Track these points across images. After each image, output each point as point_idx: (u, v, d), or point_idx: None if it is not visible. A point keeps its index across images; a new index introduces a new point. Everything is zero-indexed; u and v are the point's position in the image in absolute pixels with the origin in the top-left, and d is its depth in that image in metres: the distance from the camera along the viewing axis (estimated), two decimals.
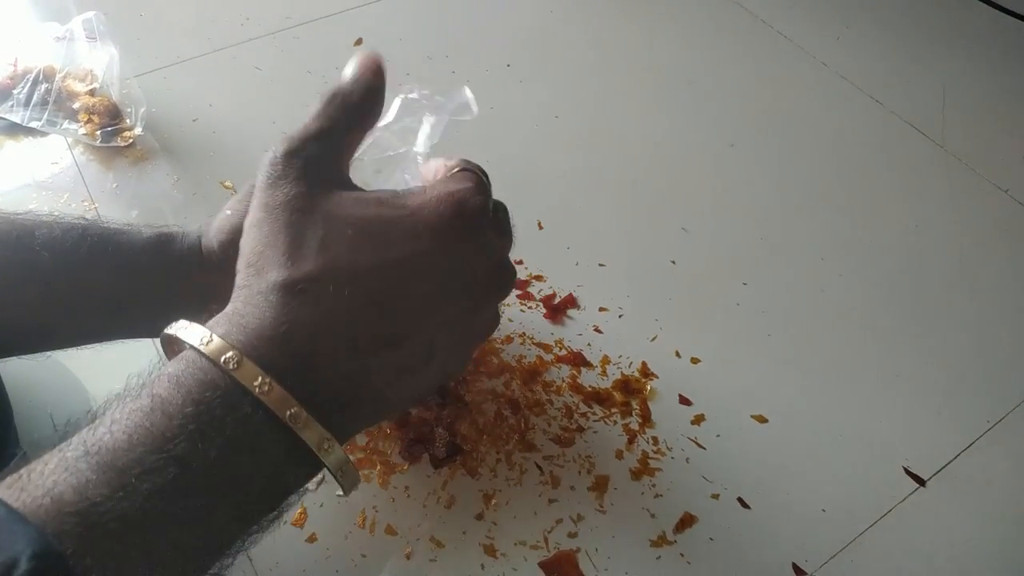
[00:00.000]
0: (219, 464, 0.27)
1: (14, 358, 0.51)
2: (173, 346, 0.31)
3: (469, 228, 0.32)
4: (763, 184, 0.93)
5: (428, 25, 1.10)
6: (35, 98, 0.86)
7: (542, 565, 0.61)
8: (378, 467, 0.66)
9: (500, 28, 1.11)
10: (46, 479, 0.25)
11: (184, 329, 0.29)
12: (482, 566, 0.61)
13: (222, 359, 0.27)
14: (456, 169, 0.36)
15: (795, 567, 0.63)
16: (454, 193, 0.33)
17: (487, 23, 1.12)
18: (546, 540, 0.63)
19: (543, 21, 1.14)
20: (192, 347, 0.28)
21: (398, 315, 0.30)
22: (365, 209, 0.31)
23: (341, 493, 0.30)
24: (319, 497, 0.63)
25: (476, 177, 0.35)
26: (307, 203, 0.31)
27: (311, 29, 1.06)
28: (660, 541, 0.63)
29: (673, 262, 0.83)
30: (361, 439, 0.67)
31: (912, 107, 1.04)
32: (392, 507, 0.64)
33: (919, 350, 0.78)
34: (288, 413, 0.27)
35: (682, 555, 0.63)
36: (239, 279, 0.31)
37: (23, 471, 0.26)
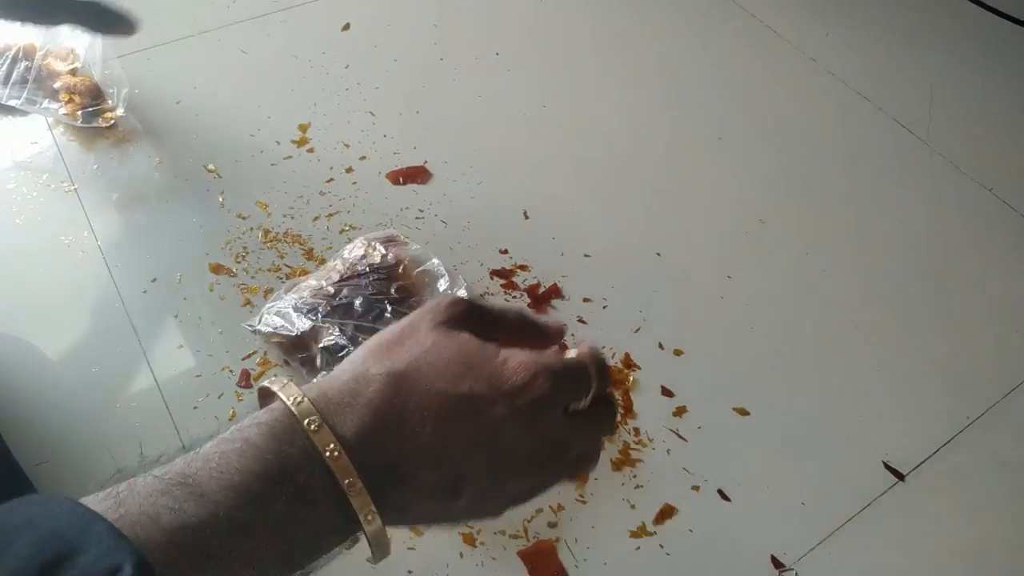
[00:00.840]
0: (283, 512, 0.30)
1: None
2: (267, 399, 0.33)
3: (533, 402, 0.34)
4: (749, 178, 0.93)
5: (416, 12, 1.09)
6: (14, 76, 0.84)
7: (521, 555, 0.61)
8: None
9: (489, 17, 1.11)
10: (144, 499, 0.27)
11: (282, 387, 0.32)
12: (461, 555, 0.61)
13: (306, 421, 0.31)
14: (572, 352, 0.37)
15: (774, 559, 0.63)
16: (537, 363, 0.34)
17: (477, 11, 1.11)
18: (526, 530, 0.63)
19: (533, 10, 1.13)
20: (284, 403, 0.32)
21: (445, 438, 0.33)
22: (466, 345, 0.35)
23: (371, 559, 0.34)
24: None
25: (576, 366, 0.36)
26: (435, 325, 0.36)
27: (298, 13, 1.05)
28: (640, 532, 0.63)
29: (658, 254, 0.83)
30: None
31: (899, 104, 1.04)
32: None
33: (901, 345, 0.78)
34: (347, 481, 0.30)
35: (661, 546, 0.63)
36: (350, 363, 0.35)
37: (121, 487, 0.28)
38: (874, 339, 0.78)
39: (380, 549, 0.33)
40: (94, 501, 0.27)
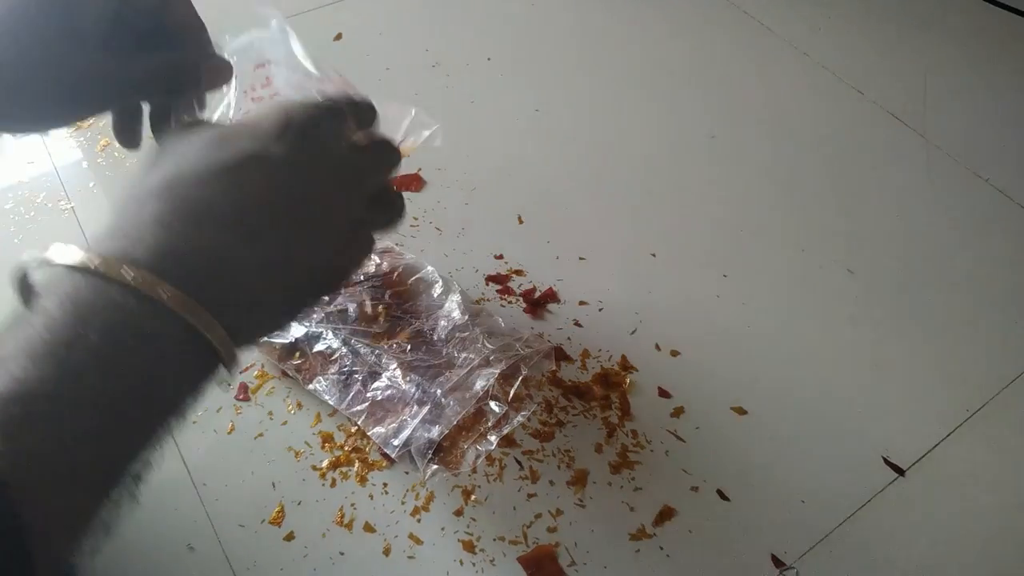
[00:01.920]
0: (114, 364, 0.28)
1: None
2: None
3: (295, 135, 0.34)
4: (744, 175, 0.93)
5: (409, 19, 1.10)
6: None
7: (521, 560, 0.61)
8: (357, 464, 0.65)
9: (481, 22, 1.11)
10: None
11: (60, 253, 0.29)
12: (460, 562, 0.61)
13: (89, 263, 0.29)
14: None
15: (774, 558, 0.63)
16: (284, 107, 0.35)
17: (468, 17, 1.11)
18: (525, 535, 0.63)
19: (524, 14, 1.13)
20: (65, 267, 0.29)
21: (242, 214, 0.32)
22: (217, 128, 0.35)
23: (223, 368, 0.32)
24: (296, 495, 0.63)
25: (326, 103, 0.37)
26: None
27: (290, 24, 1.05)
28: (639, 534, 0.63)
29: (653, 255, 0.83)
30: (339, 436, 0.66)
31: (894, 97, 1.04)
32: (370, 504, 0.64)
33: (899, 340, 0.78)
34: (161, 290, 0.29)
35: (661, 548, 0.63)
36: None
37: None
38: (872, 334, 0.78)
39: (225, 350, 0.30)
40: None
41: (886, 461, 0.69)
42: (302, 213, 0.34)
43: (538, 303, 0.77)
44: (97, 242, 0.30)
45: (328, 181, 0.35)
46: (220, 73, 0.43)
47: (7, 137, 0.88)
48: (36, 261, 0.30)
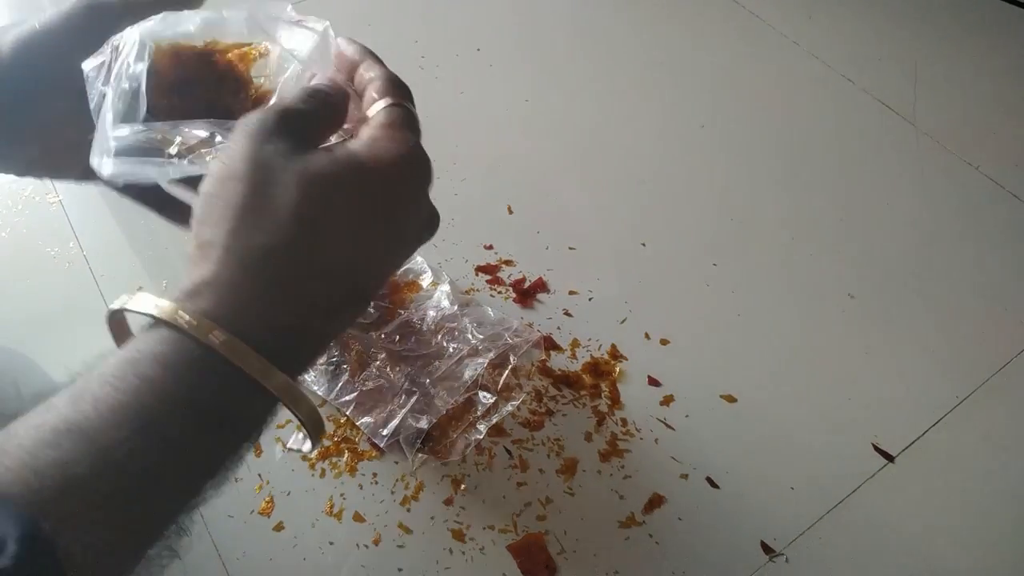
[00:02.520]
0: (202, 440, 0.28)
1: None
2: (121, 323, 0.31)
3: (421, 182, 0.35)
4: (733, 164, 0.93)
5: (397, 10, 1.09)
6: None
7: (511, 548, 0.61)
8: (346, 455, 0.65)
9: (470, 13, 1.10)
10: (24, 452, 0.25)
11: (156, 307, 0.29)
12: (450, 551, 0.61)
13: (211, 337, 0.28)
14: (386, 103, 0.36)
15: (764, 545, 0.63)
16: (406, 157, 0.34)
17: (457, 8, 1.11)
18: (515, 524, 0.63)
19: (514, 5, 1.13)
20: (175, 328, 0.28)
21: (359, 268, 0.33)
22: (336, 168, 0.32)
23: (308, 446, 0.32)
24: (285, 485, 0.63)
25: (412, 119, 0.35)
26: (290, 161, 0.31)
27: None
28: (629, 522, 0.63)
29: (643, 244, 0.83)
30: (329, 426, 0.66)
31: (884, 85, 1.03)
32: (360, 494, 0.64)
33: (888, 327, 0.78)
34: (245, 357, 0.28)
35: (651, 536, 0.63)
36: (211, 234, 0.31)
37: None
38: (862, 322, 0.78)
39: (291, 399, 0.30)
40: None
41: (876, 448, 0.69)
42: (404, 242, 0.35)
43: (528, 293, 0.77)
44: (196, 291, 0.30)
45: (424, 203, 0.36)
46: None
47: None
48: (127, 305, 0.30)
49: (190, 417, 0.28)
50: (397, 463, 0.65)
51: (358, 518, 0.62)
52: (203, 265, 0.30)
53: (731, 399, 0.71)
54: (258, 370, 0.29)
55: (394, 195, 0.33)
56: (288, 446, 0.35)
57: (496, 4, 1.12)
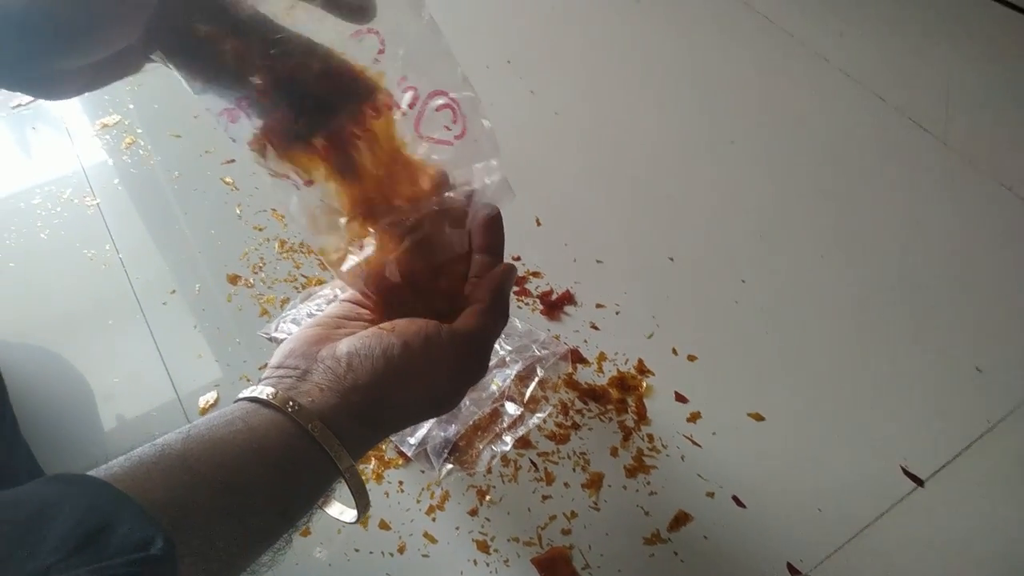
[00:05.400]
0: (277, 482, 0.35)
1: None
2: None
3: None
4: (763, 181, 0.92)
5: None
6: None
7: (535, 561, 0.61)
8: (373, 462, 0.66)
9: (501, 24, 1.11)
10: (155, 482, 0.31)
11: (268, 396, 0.37)
12: (474, 562, 0.61)
13: (311, 426, 0.36)
14: (492, 292, 0.43)
15: (790, 567, 0.62)
16: (496, 336, 0.44)
17: (488, 19, 1.12)
18: (539, 537, 0.63)
19: (544, 18, 1.14)
20: (284, 414, 0.36)
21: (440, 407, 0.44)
22: (454, 347, 0.41)
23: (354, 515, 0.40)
24: None
25: (505, 313, 0.44)
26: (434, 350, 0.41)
27: None
28: (654, 539, 0.63)
29: (671, 259, 0.83)
30: None
31: (915, 103, 1.03)
32: (386, 502, 0.64)
33: (919, 349, 0.77)
34: (331, 447, 0.37)
35: (675, 553, 0.63)
36: (357, 366, 0.39)
37: (126, 466, 0.32)
38: (892, 342, 0.78)
39: (354, 481, 0.38)
40: (114, 478, 0.31)
41: (905, 471, 0.69)
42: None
43: (555, 305, 0.77)
44: (308, 390, 0.38)
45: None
46: None
47: (35, 131, 0.89)
48: (255, 394, 0.37)
49: (277, 473, 0.35)
50: (423, 472, 0.66)
51: (384, 526, 0.63)
52: (331, 375, 0.38)
53: (758, 417, 0.71)
54: (335, 453, 0.36)
55: (484, 357, 0.43)
56: (331, 513, 0.40)
57: (527, 17, 1.13)
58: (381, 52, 0.40)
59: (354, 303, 0.45)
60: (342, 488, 0.39)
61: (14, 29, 0.36)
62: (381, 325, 0.41)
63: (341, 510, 0.41)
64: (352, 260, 0.42)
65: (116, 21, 0.37)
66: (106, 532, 0.27)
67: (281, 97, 0.38)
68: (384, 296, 0.43)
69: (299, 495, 0.37)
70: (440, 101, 0.40)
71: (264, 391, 0.37)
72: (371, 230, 0.41)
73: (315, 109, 0.39)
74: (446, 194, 0.42)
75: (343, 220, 0.41)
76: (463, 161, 0.42)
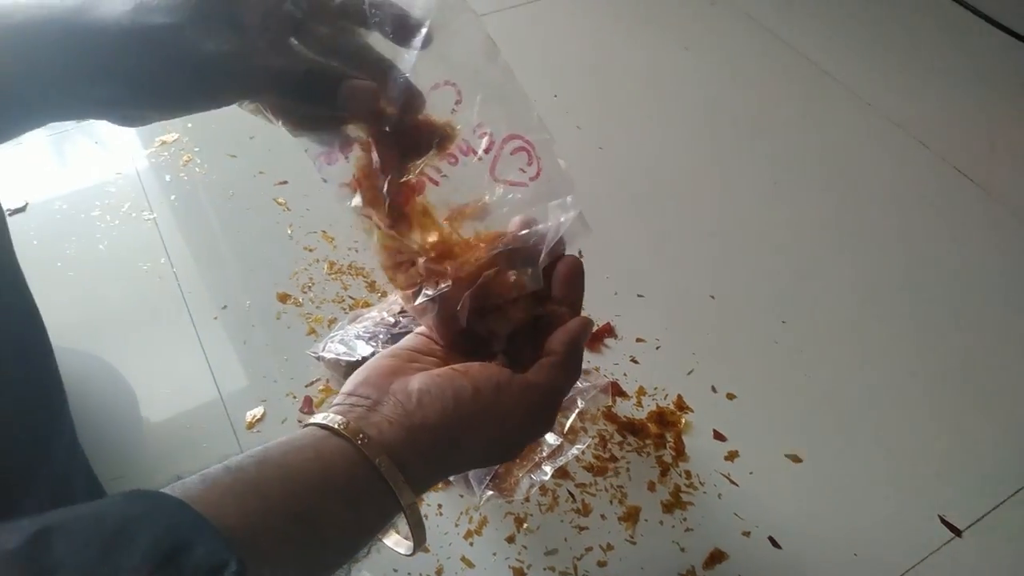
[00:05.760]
0: (343, 510, 0.36)
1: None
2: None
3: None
4: (805, 223, 0.93)
5: None
6: None
7: None
8: None
9: (547, 60, 1.14)
10: (229, 506, 0.32)
11: (340, 425, 0.38)
12: None
13: (379, 460, 0.37)
14: (568, 343, 0.43)
15: None
16: (560, 396, 0.43)
17: (534, 54, 1.14)
18: (575, 567, 0.63)
19: (590, 54, 1.16)
20: (357, 449, 0.37)
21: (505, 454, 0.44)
22: (526, 399, 0.42)
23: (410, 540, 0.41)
24: None
25: (578, 368, 0.44)
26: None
27: None
28: (688, 575, 0.63)
29: (712, 296, 0.84)
30: None
31: (959, 152, 1.03)
32: (424, 524, 0.65)
33: (961, 397, 0.77)
34: (400, 492, 0.37)
35: None
36: (427, 405, 0.39)
37: (200, 486, 0.32)
38: (932, 390, 0.78)
39: (414, 516, 0.39)
40: (190, 499, 0.31)
41: (943, 520, 0.68)
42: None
43: (595, 337, 0.78)
44: (377, 422, 0.38)
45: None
46: (360, 97, 0.41)
47: (97, 145, 0.92)
48: (326, 421, 0.38)
49: (344, 505, 0.36)
50: (461, 496, 0.67)
51: (422, 548, 0.64)
52: (400, 409, 0.39)
53: (796, 459, 0.71)
54: (399, 488, 0.37)
55: (552, 412, 0.43)
56: (387, 542, 0.42)
57: (574, 53, 1.15)
58: (458, 102, 0.42)
59: (428, 337, 0.46)
60: (400, 519, 0.39)
61: (127, 88, 0.39)
62: (455, 366, 0.41)
63: (397, 540, 0.42)
64: (425, 296, 0.43)
65: (228, 90, 0.40)
66: (183, 553, 0.28)
67: (382, 146, 0.41)
68: (455, 333, 0.44)
69: (362, 527, 0.37)
70: (515, 144, 0.42)
71: (335, 420, 0.38)
72: (447, 268, 0.43)
73: (404, 156, 0.41)
74: (520, 232, 0.43)
75: (421, 260, 0.43)
76: (538, 200, 0.43)
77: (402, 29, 0.40)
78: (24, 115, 0.41)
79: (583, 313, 0.46)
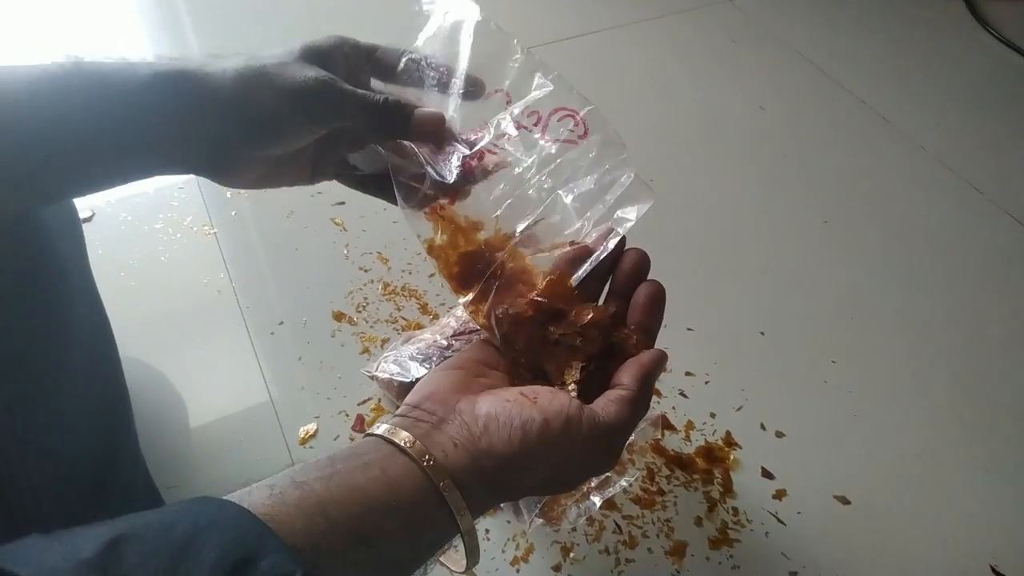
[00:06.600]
0: (402, 528, 0.36)
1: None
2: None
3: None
4: (855, 263, 0.93)
5: None
6: None
7: None
8: None
9: (599, 91, 1.15)
10: (294, 519, 0.33)
11: (406, 443, 0.38)
12: None
13: (442, 484, 0.37)
14: (638, 378, 0.43)
15: None
16: (628, 432, 0.42)
17: (586, 86, 1.16)
18: None
19: (641, 86, 1.17)
20: (420, 468, 0.37)
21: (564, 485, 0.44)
22: (591, 435, 0.41)
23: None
24: None
25: (647, 403, 0.44)
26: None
27: None
28: None
29: (762, 333, 0.84)
30: None
31: (1011, 197, 1.03)
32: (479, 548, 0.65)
33: (1015, 446, 0.76)
34: (462, 518, 0.38)
35: None
36: (479, 433, 0.40)
37: (266, 499, 0.33)
38: (985, 437, 0.77)
39: (470, 537, 0.39)
40: (257, 511, 0.32)
41: (994, 570, 0.67)
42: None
43: None
44: (443, 443, 0.39)
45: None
46: (428, 122, 0.46)
47: None
48: (393, 438, 0.39)
49: (405, 526, 0.36)
50: (509, 522, 0.67)
51: (469, 573, 0.64)
52: (466, 431, 0.39)
53: (844, 501, 0.71)
54: (460, 513, 0.37)
55: (619, 449, 0.43)
56: (442, 560, 0.43)
57: (625, 86, 1.17)
58: (508, 103, 0.48)
59: (494, 346, 0.46)
60: (456, 540, 0.40)
61: (217, 111, 0.42)
62: (523, 390, 0.41)
63: (449, 556, 0.43)
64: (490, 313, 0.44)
65: (324, 112, 0.44)
66: (250, 564, 0.29)
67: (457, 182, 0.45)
68: (517, 347, 0.45)
69: (419, 549, 0.38)
70: (561, 114, 0.48)
71: (402, 436, 0.38)
72: (517, 286, 0.44)
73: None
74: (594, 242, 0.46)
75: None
76: (592, 156, 0.47)
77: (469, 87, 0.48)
78: (133, 168, 0.47)
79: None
